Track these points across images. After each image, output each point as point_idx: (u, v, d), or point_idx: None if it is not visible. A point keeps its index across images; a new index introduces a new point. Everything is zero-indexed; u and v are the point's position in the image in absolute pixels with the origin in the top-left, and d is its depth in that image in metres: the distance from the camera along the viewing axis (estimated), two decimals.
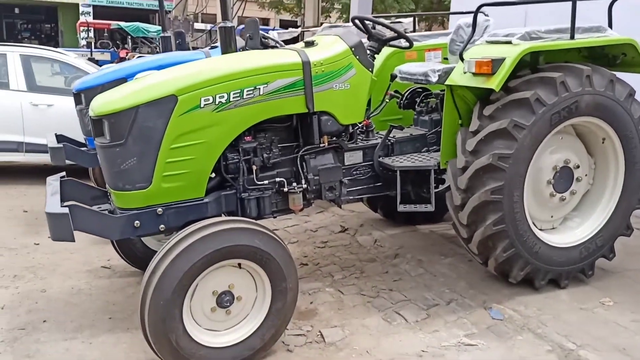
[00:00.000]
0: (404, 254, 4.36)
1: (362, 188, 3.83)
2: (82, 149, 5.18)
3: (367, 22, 3.75)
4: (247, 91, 3.17)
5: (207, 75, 3.12)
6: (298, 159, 3.51)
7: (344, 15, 28.30)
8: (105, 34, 24.48)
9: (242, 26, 4.78)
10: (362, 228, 4.98)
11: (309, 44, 3.48)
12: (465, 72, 3.45)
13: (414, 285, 3.82)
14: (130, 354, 3.11)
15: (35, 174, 7.39)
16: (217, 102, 3.10)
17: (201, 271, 2.77)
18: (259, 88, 3.20)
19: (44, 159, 6.87)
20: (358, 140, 3.82)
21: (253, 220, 2.98)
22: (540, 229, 3.63)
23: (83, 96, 5.00)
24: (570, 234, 3.76)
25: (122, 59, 20.35)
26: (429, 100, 4.31)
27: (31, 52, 7.21)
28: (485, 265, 3.61)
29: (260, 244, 2.87)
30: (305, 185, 3.50)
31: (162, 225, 3.14)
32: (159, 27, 21.81)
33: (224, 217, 2.98)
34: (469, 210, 3.37)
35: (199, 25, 15.87)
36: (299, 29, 7.85)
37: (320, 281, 3.94)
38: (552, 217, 3.75)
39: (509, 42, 3.37)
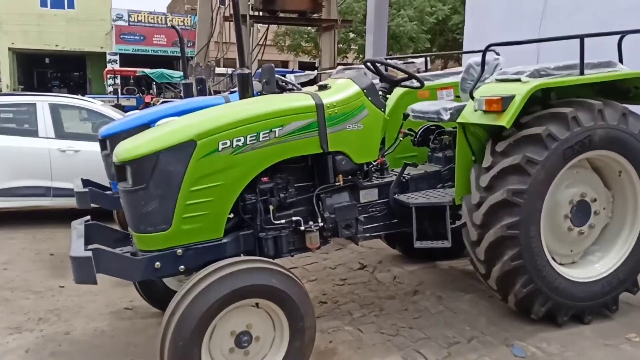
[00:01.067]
0: (423, 290, 4.35)
1: (379, 225, 3.86)
2: (107, 192, 5.34)
3: (378, 64, 3.86)
4: (263, 134, 3.27)
5: (224, 120, 3.23)
6: (314, 198, 3.57)
7: (360, 56, 28.85)
8: (132, 81, 25.31)
9: (259, 70, 4.97)
10: (380, 265, 4.99)
11: (323, 87, 3.58)
12: (476, 110, 3.51)
13: (434, 323, 3.79)
14: None
15: (62, 217, 7.56)
16: (234, 146, 3.21)
17: (219, 311, 2.81)
18: (275, 131, 3.30)
19: (71, 202, 7.05)
20: (373, 178, 3.88)
21: (269, 260, 3.03)
22: (560, 264, 3.61)
23: (108, 142, 5.18)
24: (591, 268, 3.72)
25: (147, 104, 20.92)
26: (442, 137, 4.37)
27: (59, 100, 7.51)
28: (505, 301, 3.59)
29: (277, 283, 2.91)
30: (322, 224, 3.55)
31: (182, 266, 3.21)
32: (182, 73, 22.48)
33: (241, 257, 3.04)
34: (485, 246, 3.38)
35: (220, 70, 16.31)
36: (316, 71, 8.06)
37: (339, 319, 3.94)
38: (571, 251, 3.72)
39: (518, 80, 3.43)
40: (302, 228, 3.52)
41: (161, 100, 19.83)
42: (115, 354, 3.61)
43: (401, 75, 3.85)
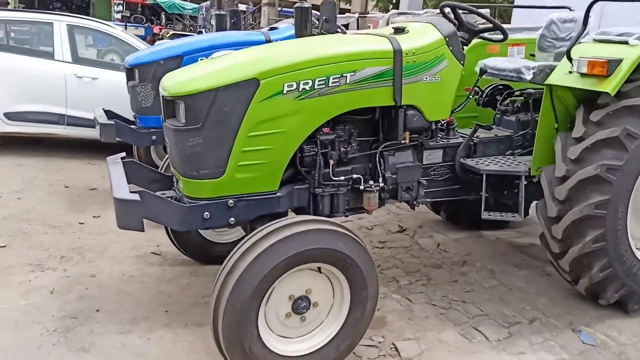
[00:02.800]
0: (472, 261, 4.08)
1: (440, 190, 3.55)
2: (132, 126, 4.98)
3: (459, 10, 3.43)
4: (333, 79, 2.89)
5: (291, 59, 2.84)
6: (377, 155, 3.24)
7: (379, 4, 27.76)
8: (139, 9, 24.35)
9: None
10: (421, 229, 4.70)
11: (399, 31, 3.17)
12: (571, 72, 3.13)
13: (489, 298, 3.54)
14: (192, 353, 2.88)
15: (75, 147, 7.24)
16: (300, 89, 2.83)
17: (281, 274, 2.52)
18: (346, 76, 2.92)
19: (85, 133, 6.71)
20: (438, 138, 3.53)
21: (336, 222, 2.71)
22: (638, 249, 3.32)
23: (137, 72, 4.77)
24: None
25: (155, 35, 20.15)
26: (513, 98, 3.99)
27: (78, 22, 6.98)
28: (573, 284, 3.32)
29: (344, 248, 2.61)
30: (382, 184, 3.24)
31: (232, 219, 2.90)
32: (195, 5, 21.59)
33: (305, 217, 2.71)
34: (566, 224, 3.07)
35: (241, 7, 15.62)
36: (356, 14, 7.48)
37: (385, 286, 3.67)
38: None
39: (625, 42, 3.04)
40: (362, 187, 3.20)
41: (171, 33, 19.07)
42: (147, 302, 3.34)
43: (483, 24, 3.43)
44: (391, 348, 2.99)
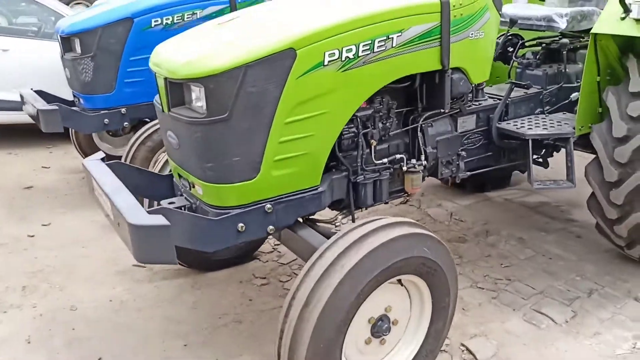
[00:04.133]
0: (495, 230, 3.77)
1: (475, 160, 3.15)
2: (74, 109, 4.13)
3: None
4: (379, 42, 2.34)
5: (331, 21, 2.25)
6: (418, 129, 2.76)
7: None
8: None
9: None
10: (425, 198, 4.32)
11: None
12: (623, 18, 2.77)
13: (533, 273, 3.25)
14: None
15: None
16: (343, 58, 2.27)
17: (367, 296, 2.02)
18: (392, 38, 2.38)
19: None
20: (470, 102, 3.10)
21: (414, 221, 2.22)
22: None
23: (78, 42, 3.89)
24: None
25: None
26: (529, 49, 3.61)
27: None
28: (626, 249, 3.09)
29: (430, 253, 2.15)
30: (424, 162, 2.78)
31: (270, 226, 2.33)
32: None
33: (386, 218, 2.18)
34: (629, 189, 2.78)
35: None
36: None
37: None
38: None
39: None
40: (405, 168, 2.72)
41: None
42: (157, 335, 2.71)
43: None
44: (463, 351, 2.62)
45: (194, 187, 2.36)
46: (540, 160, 3.33)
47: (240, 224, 2.24)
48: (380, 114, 2.61)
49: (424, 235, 2.15)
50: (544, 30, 3.26)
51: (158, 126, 3.69)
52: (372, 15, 2.32)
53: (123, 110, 4.09)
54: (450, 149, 2.91)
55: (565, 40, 3.41)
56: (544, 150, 3.31)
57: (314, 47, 2.19)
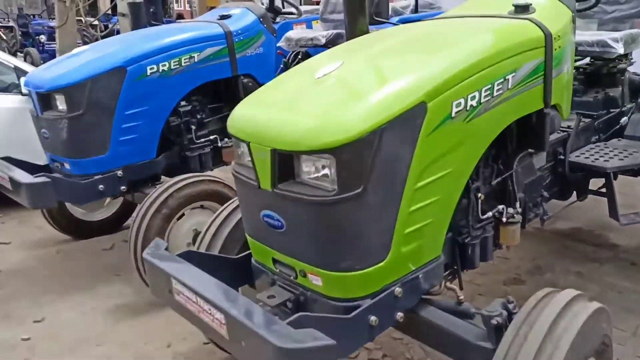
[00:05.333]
0: (547, 266, 3.57)
1: (552, 196, 2.94)
2: (57, 175, 3.49)
3: None
4: (498, 85, 2.06)
5: (455, 66, 1.93)
6: (513, 174, 2.49)
7: None
8: None
9: None
10: None
11: (522, 9, 2.37)
12: None
13: (612, 311, 3.04)
14: None
15: None
16: (468, 107, 1.96)
17: None
18: (508, 79, 2.11)
19: None
20: None
21: (580, 292, 1.92)
22: None
23: (63, 98, 3.29)
24: None
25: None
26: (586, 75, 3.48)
27: None
28: None
29: (608, 329, 1.87)
30: (520, 209, 2.52)
31: (399, 314, 1.95)
32: None
33: (553, 291, 1.87)
34: None
35: None
36: None
37: None
38: None
39: None
40: (504, 219, 2.44)
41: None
42: None
43: None
44: None
45: (304, 276, 1.92)
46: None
47: (373, 317, 1.84)
48: (483, 163, 2.32)
49: (601, 309, 1.86)
50: (596, 55, 3.13)
51: (173, 189, 3.20)
52: (491, 55, 2.03)
53: (119, 172, 3.51)
54: (536, 190, 2.68)
55: (622, 65, 3.31)
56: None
57: (443, 97, 1.87)
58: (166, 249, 2.09)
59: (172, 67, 3.61)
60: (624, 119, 3.24)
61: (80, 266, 3.98)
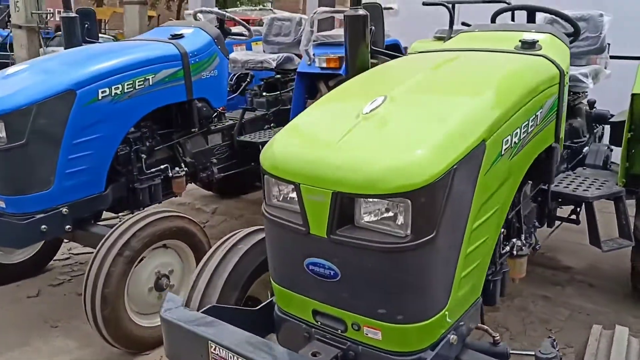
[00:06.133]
0: (515, 291, 3.62)
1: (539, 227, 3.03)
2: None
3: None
4: (531, 121, 2.06)
5: (504, 104, 1.88)
6: (520, 207, 2.49)
7: None
8: None
9: None
10: None
11: (530, 45, 2.37)
12: None
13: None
14: None
15: None
16: (512, 144, 1.93)
17: None
18: (537, 115, 2.12)
19: None
20: None
21: None
22: None
23: (3, 126, 2.80)
24: None
25: None
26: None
27: None
28: None
29: None
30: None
31: None
32: None
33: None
34: None
35: None
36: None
37: None
38: None
39: None
40: (515, 252, 2.42)
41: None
42: None
43: None
44: None
45: (357, 329, 1.74)
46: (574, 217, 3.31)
47: None
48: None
49: None
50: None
51: (136, 228, 2.85)
52: (528, 92, 2.02)
53: (64, 209, 3.06)
54: (531, 222, 2.71)
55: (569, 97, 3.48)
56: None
57: (497, 135, 1.82)
58: (185, 304, 1.81)
59: (126, 90, 3.24)
60: (585, 149, 3.42)
61: (5, 318, 3.41)
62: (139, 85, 3.31)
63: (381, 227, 1.61)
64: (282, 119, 4.66)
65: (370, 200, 1.60)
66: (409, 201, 1.54)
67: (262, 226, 2.46)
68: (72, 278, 3.99)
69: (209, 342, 1.64)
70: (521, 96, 1.96)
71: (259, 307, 2.04)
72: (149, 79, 3.37)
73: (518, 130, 1.94)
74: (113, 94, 3.18)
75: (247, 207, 5.36)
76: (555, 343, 1.89)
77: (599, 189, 3.03)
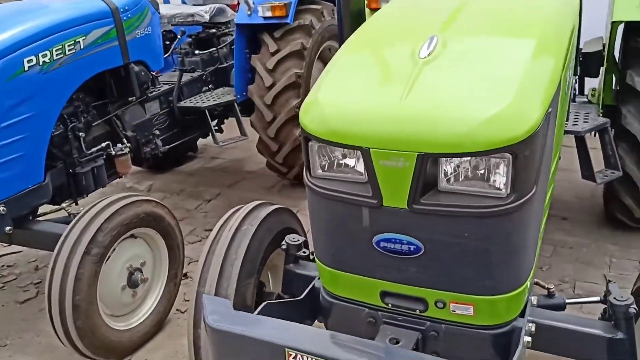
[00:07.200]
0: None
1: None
2: None
3: None
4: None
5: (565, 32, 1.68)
6: None
7: None
8: None
9: None
10: None
11: None
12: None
13: (577, 268, 3.20)
14: None
15: None
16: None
17: None
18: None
19: None
20: None
21: None
22: None
23: None
24: None
25: None
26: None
27: None
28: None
29: None
30: None
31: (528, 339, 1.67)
32: None
33: None
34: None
35: None
36: None
37: None
38: None
39: None
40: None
41: None
42: None
43: None
44: None
45: (442, 307, 1.51)
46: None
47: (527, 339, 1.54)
48: None
49: None
50: None
51: (101, 219, 2.41)
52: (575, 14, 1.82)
53: (1, 208, 2.52)
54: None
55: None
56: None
57: (567, 67, 1.61)
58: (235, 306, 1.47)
59: (55, 57, 2.68)
60: None
61: None
62: (69, 50, 2.76)
63: (473, 190, 1.37)
64: (221, 79, 4.33)
65: (458, 159, 1.35)
66: (510, 156, 1.31)
67: (262, 201, 2.16)
68: (5, 285, 3.42)
69: (287, 349, 1.33)
70: (572, 20, 1.77)
71: (304, 294, 1.74)
72: (79, 41, 2.82)
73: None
74: (41, 63, 2.61)
75: (186, 180, 4.89)
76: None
77: (586, 121, 2.99)
